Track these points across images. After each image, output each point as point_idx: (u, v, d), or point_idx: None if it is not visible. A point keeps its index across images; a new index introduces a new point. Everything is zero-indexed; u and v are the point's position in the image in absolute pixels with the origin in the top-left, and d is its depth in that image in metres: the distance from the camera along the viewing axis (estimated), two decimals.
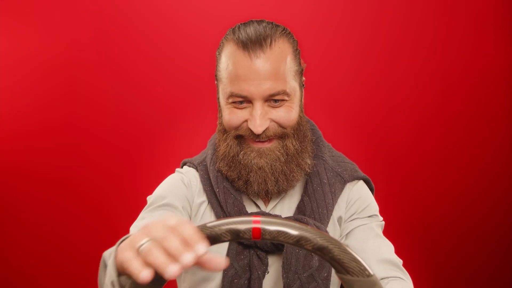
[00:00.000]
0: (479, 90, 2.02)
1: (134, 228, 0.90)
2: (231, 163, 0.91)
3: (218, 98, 0.94)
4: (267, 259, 0.90)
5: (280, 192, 0.93)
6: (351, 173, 0.98)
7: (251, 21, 0.90)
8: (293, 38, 0.92)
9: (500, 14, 2.00)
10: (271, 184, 0.89)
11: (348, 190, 0.98)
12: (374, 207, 0.98)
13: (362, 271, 0.47)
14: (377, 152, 2.02)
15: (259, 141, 0.88)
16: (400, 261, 0.89)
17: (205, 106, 1.99)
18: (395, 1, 2.01)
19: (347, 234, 0.94)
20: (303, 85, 0.96)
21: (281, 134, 0.88)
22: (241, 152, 0.89)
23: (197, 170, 1.01)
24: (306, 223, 0.88)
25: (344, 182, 0.96)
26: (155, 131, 2.04)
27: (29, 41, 2.05)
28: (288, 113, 0.87)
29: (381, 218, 0.99)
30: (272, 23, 0.90)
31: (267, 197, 0.96)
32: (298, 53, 0.92)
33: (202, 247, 0.46)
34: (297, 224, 0.49)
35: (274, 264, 0.91)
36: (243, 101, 0.86)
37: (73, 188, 2.05)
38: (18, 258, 2.08)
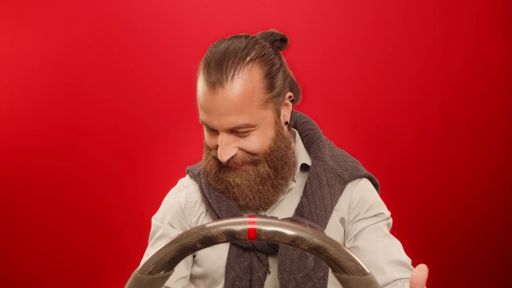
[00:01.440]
0: (479, 90, 2.02)
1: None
2: (217, 178, 0.92)
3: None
4: (267, 260, 0.91)
5: (261, 207, 0.93)
6: (352, 172, 0.97)
7: (230, 38, 0.89)
8: (268, 60, 0.87)
9: (500, 14, 2.00)
10: (250, 201, 0.90)
11: (350, 190, 0.97)
12: (379, 205, 0.97)
13: (359, 270, 0.47)
14: (377, 152, 2.02)
15: (231, 165, 0.89)
16: (409, 260, 0.89)
17: None
18: (395, 2, 2.01)
19: (355, 236, 0.93)
20: (293, 100, 0.94)
21: (252, 160, 0.88)
22: (221, 170, 0.91)
23: (197, 181, 1.02)
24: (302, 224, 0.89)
25: (344, 183, 0.96)
26: (155, 132, 2.04)
27: (29, 41, 2.05)
28: (256, 141, 0.86)
29: (388, 214, 0.98)
30: (249, 42, 0.87)
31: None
32: (278, 75, 0.88)
33: None
34: (292, 224, 0.49)
35: (274, 266, 0.92)
36: (212, 129, 0.88)
37: (73, 188, 2.06)
38: (18, 258, 2.08)
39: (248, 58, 0.85)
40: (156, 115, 2.04)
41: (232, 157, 0.86)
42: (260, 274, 0.89)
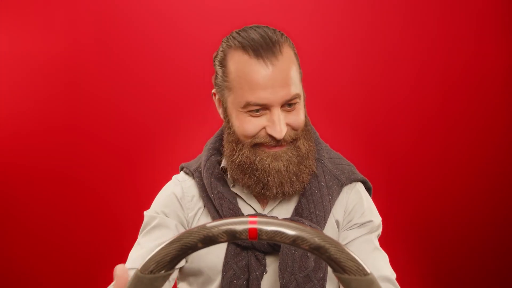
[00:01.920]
0: (479, 90, 2.02)
1: (129, 257, 0.95)
2: (247, 171, 0.91)
3: (225, 108, 0.93)
4: (265, 259, 0.91)
5: (294, 194, 0.94)
6: (349, 175, 0.99)
7: (249, 27, 0.90)
8: (292, 44, 0.93)
9: (500, 14, 2.00)
10: (287, 186, 0.90)
11: (346, 195, 0.99)
12: (370, 213, 0.99)
13: (360, 270, 0.47)
14: (377, 152, 2.02)
15: (274, 146, 0.89)
16: (394, 275, 0.92)
17: (205, 106, 1.99)
18: (395, 2, 2.01)
19: (346, 244, 0.95)
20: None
21: (294, 138, 0.90)
22: (257, 159, 0.89)
23: (193, 177, 1.02)
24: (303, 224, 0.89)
25: (341, 185, 0.97)
26: (155, 132, 2.05)
27: (29, 41, 2.05)
28: (299, 116, 0.89)
29: (379, 221, 0.99)
30: (269, 28, 0.90)
31: (267, 201, 0.98)
32: (297, 57, 0.94)
33: None
34: (293, 224, 0.49)
35: (272, 265, 0.92)
36: (259, 109, 0.86)
37: (74, 188, 2.06)
38: (19, 258, 2.08)
39: (283, 36, 0.90)
40: (156, 115, 2.04)
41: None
42: (257, 273, 0.89)
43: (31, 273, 2.08)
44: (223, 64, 0.91)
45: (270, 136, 0.87)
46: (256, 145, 0.90)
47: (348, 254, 0.48)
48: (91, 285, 2.07)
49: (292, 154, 0.90)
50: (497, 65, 2.02)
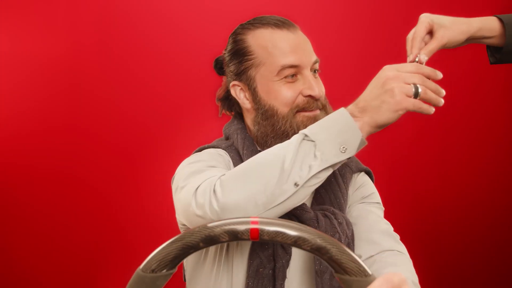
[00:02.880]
0: (479, 90, 2.03)
1: (209, 170, 0.87)
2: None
3: (254, 88, 0.94)
4: (291, 248, 0.91)
5: None
6: (356, 164, 1.03)
7: (257, 17, 0.98)
8: None
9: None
10: None
11: (354, 179, 1.02)
12: (377, 197, 1.01)
13: (361, 271, 0.47)
14: (377, 152, 2.02)
15: (314, 109, 0.93)
16: (397, 236, 0.92)
17: (206, 106, 1.99)
18: (395, 2, 2.01)
19: (357, 217, 0.96)
20: None
21: (324, 102, 0.95)
22: (302, 126, 0.91)
23: (227, 153, 0.99)
24: (333, 213, 0.90)
25: (352, 173, 1.01)
26: (157, 132, 2.05)
27: (30, 42, 2.05)
28: (322, 84, 0.96)
29: (383, 208, 1.01)
30: None
31: None
32: None
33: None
34: (295, 225, 0.49)
35: (297, 254, 0.92)
36: (294, 74, 0.91)
37: (74, 188, 2.06)
38: (19, 258, 2.08)
39: None
40: (157, 115, 2.04)
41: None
42: (283, 261, 0.89)
43: (32, 272, 2.08)
44: (242, 47, 0.95)
45: (309, 96, 0.91)
46: (297, 112, 0.92)
47: (350, 255, 0.48)
48: (93, 283, 2.07)
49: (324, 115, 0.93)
50: (497, 65, 2.02)
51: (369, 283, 0.47)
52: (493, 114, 2.03)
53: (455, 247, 2.05)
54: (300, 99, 0.91)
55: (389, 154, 2.03)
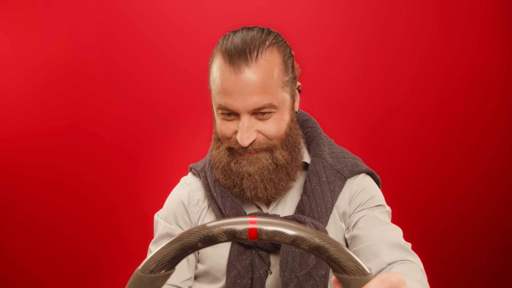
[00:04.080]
0: (479, 90, 2.03)
1: None
2: (225, 172, 0.92)
3: (212, 106, 0.95)
4: (269, 258, 0.91)
5: (270, 199, 0.93)
6: (352, 168, 0.98)
7: (242, 28, 0.90)
8: (284, 46, 0.90)
9: (500, 14, 2.00)
10: (260, 191, 0.90)
11: (350, 185, 0.97)
12: (379, 198, 0.97)
13: (359, 270, 0.47)
14: (377, 152, 2.02)
15: (248, 153, 0.89)
16: (408, 245, 0.88)
17: (207, 107, 1.99)
18: (395, 2, 2.01)
19: (353, 225, 0.93)
20: (299, 90, 0.96)
21: (269, 146, 0.89)
22: (233, 161, 0.90)
23: (200, 178, 1.02)
24: (304, 222, 0.89)
25: (344, 179, 0.96)
26: (157, 132, 2.05)
27: (32, 43, 2.06)
28: (276, 125, 0.87)
29: (389, 208, 0.98)
30: (263, 30, 0.89)
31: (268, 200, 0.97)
32: (290, 61, 0.91)
33: None
34: (293, 224, 0.49)
35: (276, 264, 0.92)
36: (231, 113, 0.87)
37: (75, 188, 2.06)
38: (20, 257, 2.08)
39: (268, 42, 0.87)
40: (158, 116, 2.04)
41: (251, 143, 0.86)
42: (261, 272, 0.89)
43: (32, 272, 2.08)
44: (210, 65, 0.92)
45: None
46: (232, 149, 0.90)
47: (348, 254, 0.48)
48: (93, 283, 2.07)
49: (267, 161, 0.89)
50: (497, 65, 2.02)
51: (368, 281, 0.47)
52: (493, 114, 2.03)
53: (459, 248, 2.05)
54: (234, 139, 0.88)
55: (389, 155, 2.03)
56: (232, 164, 0.90)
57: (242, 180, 0.89)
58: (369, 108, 2.02)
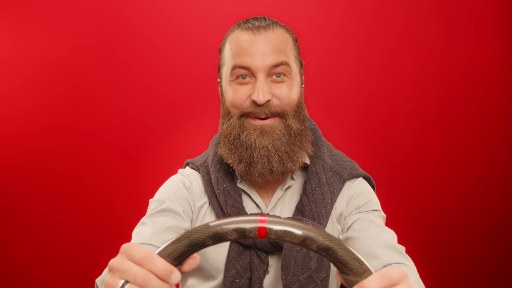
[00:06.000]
0: (478, 90, 2.03)
1: (136, 235, 0.89)
2: (233, 146, 0.90)
3: (221, 86, 0.95)
4: (268, 259, 0.91)
5: (285, 173, 0.91)
6: (351, 171, 0.99)
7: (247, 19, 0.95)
8: (292, 35, 0.96)
9: (500, 14, 2.00)
10: (275, 163, 0.88)
11: (348, 188, 0.98)
12: (376, 203, 0.98)
13: (365, 271, 0.48)
14: (377, 152, 2.03)
15: (261, 119, 0.88)
16: (403, 248, 0.88)
17: (206, 107, 1.99)
18: (395, 1, 2.01)
19: (348, 227, 0.93)
20: (302, 84, 0.97)
21: (282, 112, 0.89)
22: (244, 133, 0.89)
23: (199, 172, 1.02)
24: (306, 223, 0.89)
25: (343, 181, 0.97)
26: (158, 132, 2.04)
27: (32, 43, 2.05)
28: (289, 91, 0.89)
29: (384, 214, 0.98)
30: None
31: (270, 198, 0.97)
32: (297, 47, 0.96)
33: (176, 276, 0.48)
34: (302, 224, 0.49)
35: (274, 264, 0.92)
36: (246, 75, 0.88)
37: (75, 188, 2.05)
38: (20, 257, 2.08)
39: (280, 24, 0.94)
40: (158, 116, 2.04)
41: (266, 103, 0.87)
42: (260, 272, 0.89)
43: (32, 272, 2.08)
44: (221, 49, 0.95)
45: (254, 102, 0.87)
46: (244, 118, 0.89)
47: (355, 255, 0.48)
48: (91, 285, 2.07)
49: (280, 132, 0.88)
50: (497, 65, 2.02)
51: None
52: (492, 114, 2.03)
53: (458, 249, 2.05)
54: (247, 103, 0.88)
55: (389, 155, 2.03)
56: (243, 136, 0.89)
57: (253, 153, 0.88)
58: (369, 108, 2.03)
